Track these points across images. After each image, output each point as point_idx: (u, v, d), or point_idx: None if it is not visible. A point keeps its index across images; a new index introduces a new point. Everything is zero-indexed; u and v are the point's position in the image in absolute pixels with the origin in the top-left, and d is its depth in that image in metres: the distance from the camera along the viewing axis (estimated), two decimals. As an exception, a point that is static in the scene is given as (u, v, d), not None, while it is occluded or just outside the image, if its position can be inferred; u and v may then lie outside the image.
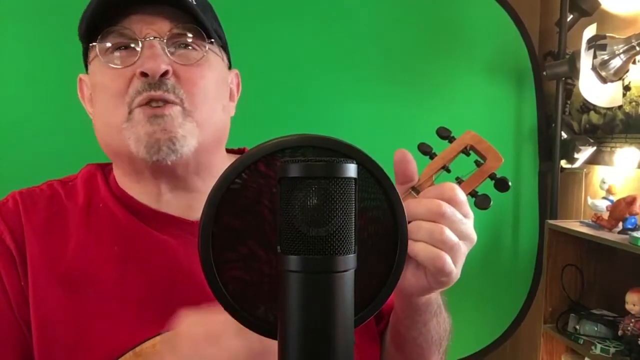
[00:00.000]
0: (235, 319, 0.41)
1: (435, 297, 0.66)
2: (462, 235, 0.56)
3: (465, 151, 0.66)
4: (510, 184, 0.63)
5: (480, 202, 0.63)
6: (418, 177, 0.62)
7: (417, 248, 0.55)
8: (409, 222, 0.55)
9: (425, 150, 0.65)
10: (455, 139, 0.66)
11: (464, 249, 0.57)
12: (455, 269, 0.56)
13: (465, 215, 0.57)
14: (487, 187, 0.65)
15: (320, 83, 2.09)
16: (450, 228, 0.55)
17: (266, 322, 0.41)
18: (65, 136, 1.77)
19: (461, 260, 0.57)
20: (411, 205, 0.56)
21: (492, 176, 0.64)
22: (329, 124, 2.07)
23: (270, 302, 0.41)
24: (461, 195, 0.57)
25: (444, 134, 0.65)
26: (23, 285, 0.67)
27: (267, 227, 0.40)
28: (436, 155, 0.65)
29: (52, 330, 0.66)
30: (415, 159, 0.61)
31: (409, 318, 0.67)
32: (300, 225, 0.35)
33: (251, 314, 0.41)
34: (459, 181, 0.64)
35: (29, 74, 1.78)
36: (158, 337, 0.64)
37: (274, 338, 0.38)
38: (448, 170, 0.65)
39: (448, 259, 0.55)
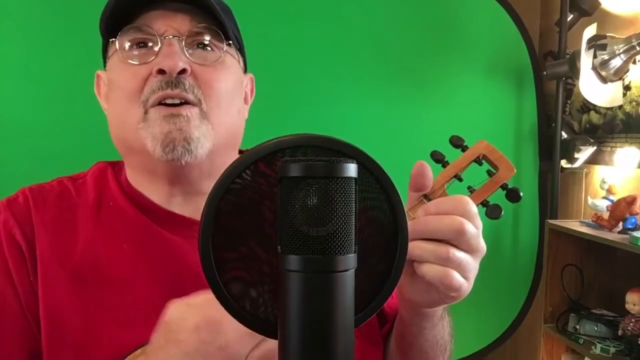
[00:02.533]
0: (236, 318, 0.41)
1: None
2: (474, 249, 0.56)
3: (478, 160, 0.65)
4: (521, 194, 0.63)
5: (491, 212, 0.63)
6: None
7: (424, 269, 0.55)
8: (431, 239, 0.55)
9: (437, 158, 0.65)
10: (468, 148, 0.66)
11: (473, 263, 0.57)
12: (465, 282, 0.56)
13: (476, 227, 0.57)
14: (497, 197, 0.65)
15: (321, 83, 2.09)
16: (467, 243, 0.55)
17: (266, 321, 0.41)
18: (68, 135, 1.77)
19: (472, 273, 0.57)
20: (432, 223, 0.56)
21: (503, 186, 0.64)
22: (329, 123, 2.07)
23: (270, 302, 0.41)
24: (474, 208, 0.57)
25: (457, 143, 0.65)
26: (32, 281, 0.67)
27: (267, 227, 0.40)
28: (448, 163, 0.65)
29: (60, 326, 0.66)
30: (429, 165, 0.62)
31: (416, 325, 0.66)
32: (300, 225, 0.35)
33: (251, 313, 0.41)
34: (470, 190, 0.64)
35: (31, 73, 1.78)
36: None
37: (274, 338, 0.38)
38: (460, 179, 0.65)
39: (456, 274, 0.55)
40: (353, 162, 0.36)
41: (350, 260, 0.35)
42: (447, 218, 0.56)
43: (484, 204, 0.64)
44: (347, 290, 0.36)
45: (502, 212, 0.62)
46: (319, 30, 2.09)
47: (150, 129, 0.68)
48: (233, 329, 0.48)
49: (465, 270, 0.56)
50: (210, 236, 0.40)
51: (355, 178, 0.36)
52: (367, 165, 0.40)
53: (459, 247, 0.55)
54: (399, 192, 0.42)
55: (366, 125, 2.11)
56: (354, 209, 0.36)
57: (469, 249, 0.56)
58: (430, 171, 0.61)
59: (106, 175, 0.76)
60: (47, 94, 1.78)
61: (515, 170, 0.65)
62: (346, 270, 0.35)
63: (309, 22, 2.08)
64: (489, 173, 0.65)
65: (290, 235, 0.35)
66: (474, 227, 0.56)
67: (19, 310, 0.67)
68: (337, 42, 2.10)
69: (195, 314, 0.51)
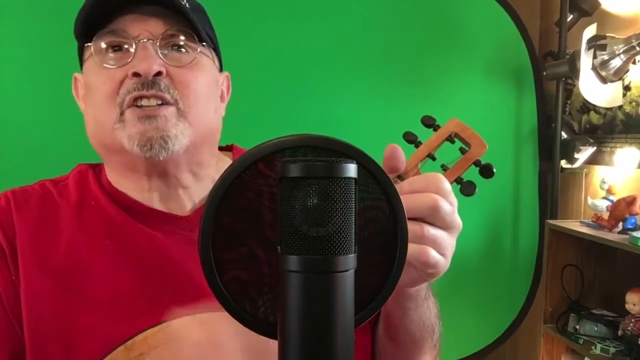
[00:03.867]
0: (235, 319, 0.41)
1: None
2: (450, 225, 0.57)
3: (450, 139, 0.67)
4: (494, 170, 0.64)
5: (465, 188, 0.63)
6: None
7: None
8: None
9: (410, 139, 0.66)
10: (440, 127, 0.66)
11: (449, 240, 0.57)
12: (442, 259, 0.56)
13: (451, 204, 0.57)
14: (472, 174, 0.65)
15: (320, 83, 2.09)
16: (441, 220, 0.56)
17: (266, 322, 0.41)
18: (68, 136, 1.77)
19: (449, 250, 0.57)
20: (405, 202, 0.56)
21: (476, 163, 0.65)
22: (329, 124, 2.07)
23: (270, 302, 0.41)
24: (447, 185, 0.58)
25: (429, 123, 0.67)
26: (14, 280, 0.68)
27: (267, 227, 0.40)
28: (421, 143, 0.66)
29: (43, 325, 0.67)
30: (401, 147, 0.62)
31: (400, 307, 0.67)
32: (300, 225, 0.35)
33: (251, 314, 0.41)
34: (444, 168, 0.65)
35: (27, 73, 1.78)
36: (149, 330, 0.64)
37: (274, 338, 0.38)
38: (433, 158, 0.66)
39: (432, 251, 0.55)
40: (353, 163, 0.36)
41: (350, 261, 0.35)
42: (420, 195, 0.56)
43: (458, 181, 0.64)
44: (347, 291, 0.36)
45: (476, 189, 0.62)
46: (319, 29, 2.09)
47: (126, 130, 0.69)
48: (232, 350, 0.49)
49: (441, 246, 0.56)
50: (210, 237, 0.40)
51: (355, 178, 0.36)
52: (367, 165, 0.40)
53: (434, 224, 0.56)
54: (398, 192, 0.42)
55: (366, 124, 2.11)
56: (353, 209, 0.36)
57: (444, 226, 0.56)
58: (401, 153, 0.61)
59: (87, 177, 0.77)
60: (47, 94, 1.78)
61: (487, 146, 0.65)
62: (346, 271, 0.35)
63: (309, 21, 2.08)
64: (462, 150, 0.66)
65: (290, 235, 0.35)
66: (449, 204, 0.56)
67: (2, 311, 0.67)
68: (337, 41, 2.10)
69: (200, 330, 0.52)
